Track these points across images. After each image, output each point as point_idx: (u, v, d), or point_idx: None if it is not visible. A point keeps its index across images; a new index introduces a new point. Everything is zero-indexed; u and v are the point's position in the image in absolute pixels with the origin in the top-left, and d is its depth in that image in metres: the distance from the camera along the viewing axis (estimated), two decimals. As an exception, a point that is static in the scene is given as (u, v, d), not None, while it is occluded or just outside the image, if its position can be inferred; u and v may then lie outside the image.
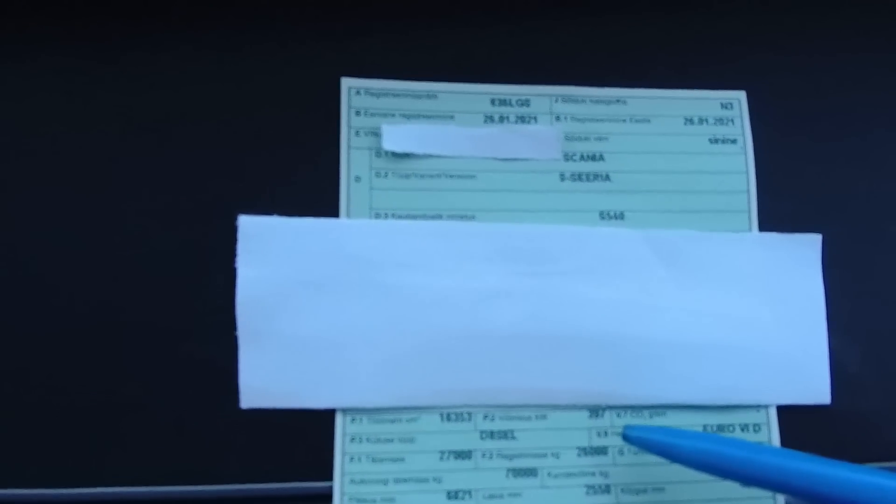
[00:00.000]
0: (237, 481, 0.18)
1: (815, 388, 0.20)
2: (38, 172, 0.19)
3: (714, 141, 0.21)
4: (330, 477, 0.18)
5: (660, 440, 0.17)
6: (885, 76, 0.22)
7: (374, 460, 0.18)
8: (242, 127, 0.20)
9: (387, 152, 0.20)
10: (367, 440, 0.18)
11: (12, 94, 0.19)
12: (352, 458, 0.18)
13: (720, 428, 0.20)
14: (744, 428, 0.20)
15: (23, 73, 0.19)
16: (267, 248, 0.19)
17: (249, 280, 0.18)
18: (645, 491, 0.19)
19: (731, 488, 0.19)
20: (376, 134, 0.20)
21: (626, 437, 0.17)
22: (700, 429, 0.19)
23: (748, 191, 0.21)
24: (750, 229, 0.21)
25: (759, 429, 0.20)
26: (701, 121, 0.21)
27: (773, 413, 0.20)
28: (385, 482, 0.18)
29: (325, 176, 0.19)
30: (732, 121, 0.21)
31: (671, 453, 0.17)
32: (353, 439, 0.18)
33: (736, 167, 0.21)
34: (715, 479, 0.19)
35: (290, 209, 0.19)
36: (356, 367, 0.18)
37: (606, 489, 0.19)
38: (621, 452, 0.19)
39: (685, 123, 0.21)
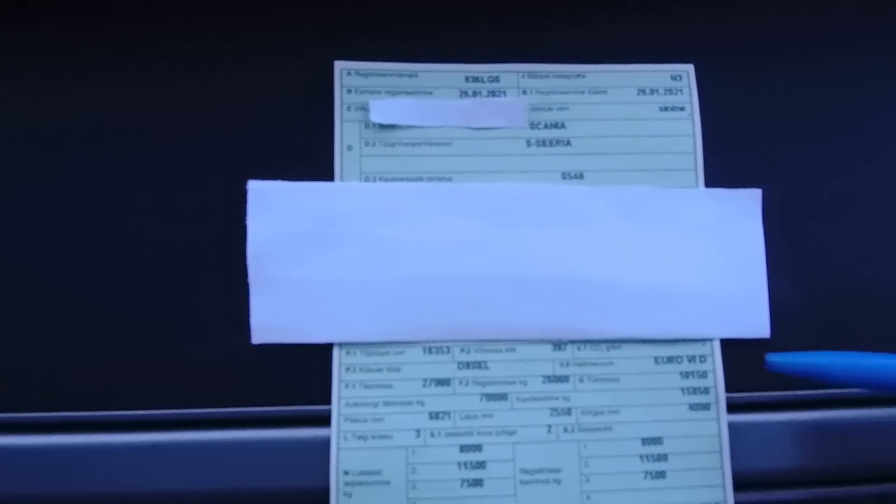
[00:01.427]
0: (252, 405, 0.21)
1: (756, 323, 0.23)
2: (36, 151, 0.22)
3: (664, 109, 0.23)
4: (328, 401, 0.21)
5: (803, 362, 0.20)
6: (820, 47, 0.24)
7: (366, 387, 0.21)
8: (251, 106, 0.23)
9: (374, 124, 0.23)
10: (360, 370, 0.21)
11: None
12: (347, 385, 0.21)
13: (670, 359, 0.22)
14: (691, 359, 0.22)
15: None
16: (272, 208, 0.22)
17: (258, 235, 0.22)
18: (602, 413, 0.22)
19: (679, 410, 0.22)
20: (365, 109, 0.23)
21: (768, 364, 0.20)
22: (651, 361, 0.22)
23: (695, 152, 0.23)
24: (697, 185, 0.23)
25: (705, 359, 0.22)
26: (652, 91, 0.24)
27: (717, 345, 0.22)
28: (375, 405, 0.21)
29: (321, 146, 0.22)
30: (681, 90, 0.24)
31: (817, 374, 0.19)
32: (347, 369, 0.21)
33: (684, 131, 0.23)
34: (666, 403, 0.22)
35: (292, 175, 0.22)
36: (350, 307, 0.21)
37: (568, 411, 0.22)
38: (581, 380, 0.22)
39: (638, 94, 0.23)
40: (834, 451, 0.22)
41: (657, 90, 0.23)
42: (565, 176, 0.23)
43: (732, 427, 0.22)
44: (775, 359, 0.20)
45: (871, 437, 0.22)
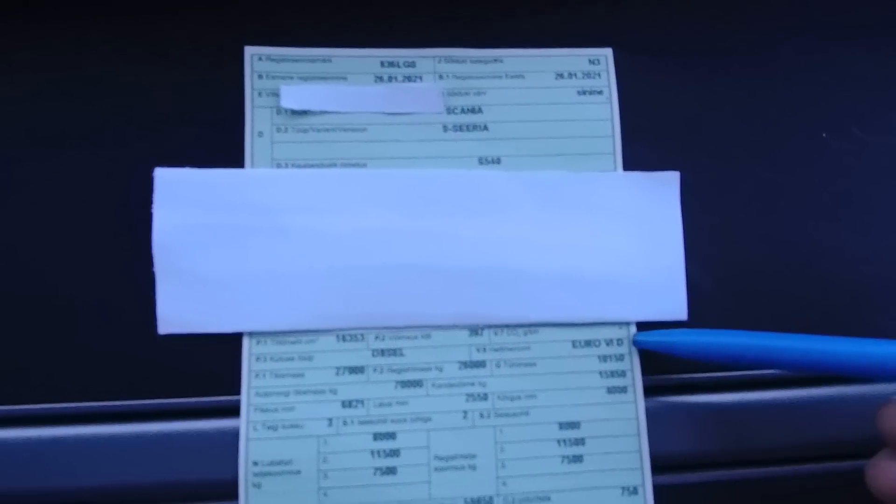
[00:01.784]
0: (159, 396, 0.21)
1: (673, 306, 0.22)
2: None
3: (582, 93, 0.23)
4: (238, 391, 0.21)
5: (663, 341, 0.21)
6: (737, 34, 0.24)
7: (276, 376, 0.21)
8: (160, 92, 0.22)
9: (286, 110, 0.22)
10: (271, 359, 0.21)
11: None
12: (257, 375, 0.21)
13: (587, 343, 0.22)
14: (609, 343, 0.22)
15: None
16: (180, 196, 0.21)
17: (165, 224, 0.21)
18: (519, 398, 0.22)
19: (596, 394, 0.22)
20: (277, 94, 0.22)
21: (636, 343, 0.21)
22: (569, 345, 0.22)
23: (613, 136, 0.23)
24: (615, 169, 0.23)
25: (622, 343, 0.22)
26: (570, 75, 0.23)
27: (634, 329, 0.22)
28: (287, 394, 0.21)
29: (231, 132, 0.22)
30: (599, 75, 0.23)
31: (681, 351, 0.20)
32: (258, 359, 0.21)
33: (602, 115, 0.23)
34: (583, 387, 0.22)
35: (202, 162, 0.22)
36: (261, 296, 0.21)
37: (484, 397, 0.22)
38: (498, 365, 0.22)
39: (556, 78, 0.23)
40: (749, 432, 0.22)
41: (575, 74, 0.23)
42: (482, 161, 0.23)
43: (650, 410, 0.22)
44: (640, 337, 0.21)
45: (785, 418, 0.22)
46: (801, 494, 0.22)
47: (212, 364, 0.21)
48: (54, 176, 0.21)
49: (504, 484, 0.21)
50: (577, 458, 0.21)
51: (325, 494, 0.21)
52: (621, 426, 0.22)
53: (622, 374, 0.22)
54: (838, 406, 0.22)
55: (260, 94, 0.22)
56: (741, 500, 0.22)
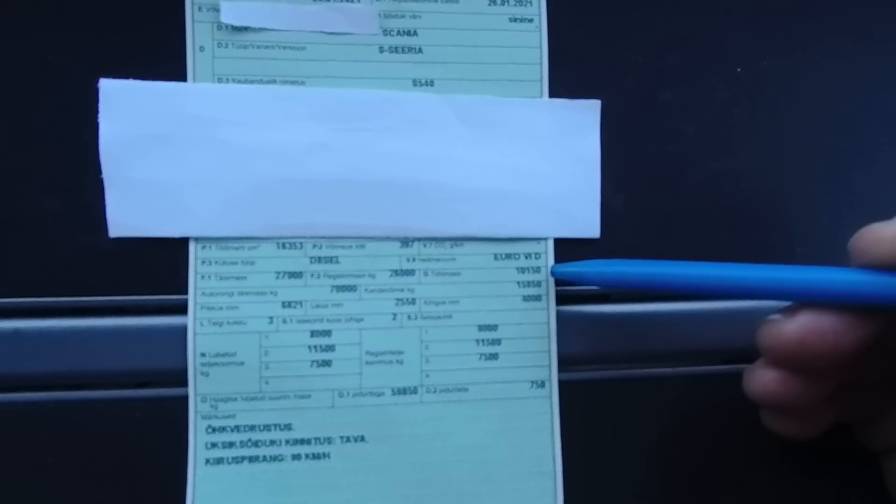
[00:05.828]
0: (113, 294, 0.22)
1: (587, 224, 0.25)
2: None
3: (513, 20, 0.24)
4: (186, 291, 0.23)
5: (577, 271, 0.23)
6: (665, -36, 0.25)
7: (221, 278, 0.23)
8: (101, 10, 0.23)
9: (227, 26, 0.23)
10: (216, 263, 0.23)
11: None
12: (203, 276, 0.23)
13: (508, 256, 0.24)
14: (527, 256, 0.25)
15: None
16: (124, 107, 0.22)
17: (110, 133, 0.22)
18: (444, 303, 0.24)
19: (513, 301, 0.24)
20: (217, 10, 0.23)
21: (554, 274, 0.23)
22: (491, 257, 0.25)
23: (541, 63, 0.25)
24: (541, 96, 0.25)
25: (539, 256, 0.25)
26: (503, 2, 0.24)
27: (551, 244, 0.25)
28: (231, 294, 0.23)
29: (173, 47, 0.23)
30: (531, 3, 0.25)
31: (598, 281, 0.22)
32: (203, 262, 0.23)
33: (531, 43, 0.25)
34: (502, 295, 0.24)
35: (145, 76, 0.23)
36: (205, 204, 0.23)
37: (412, 301, 0.24)
38: (426, 274, 0.24)
39: (489, 4, 0.24)
40: (646, 337, 0.25)
41: (507, 1, 0.24)
42: (416, 83, 0.24)
43: (560, 316, 0.25)
44: (556, 269, 0.23)
45: (679, 326, 0.25)
46: (687, 390, 0.25)
47: (162, 266, 0.23)
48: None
49: (427, 376, 0.24)
50: (493, 356, 0.24)
51: (267, 383, 0.23)
52: (534, 329, 0.25)
53: (538, 284, 0.25)
54: (725, 318, 0.25)
55: (200, 8, 0.23)
56: (634, 393, 0.25)
